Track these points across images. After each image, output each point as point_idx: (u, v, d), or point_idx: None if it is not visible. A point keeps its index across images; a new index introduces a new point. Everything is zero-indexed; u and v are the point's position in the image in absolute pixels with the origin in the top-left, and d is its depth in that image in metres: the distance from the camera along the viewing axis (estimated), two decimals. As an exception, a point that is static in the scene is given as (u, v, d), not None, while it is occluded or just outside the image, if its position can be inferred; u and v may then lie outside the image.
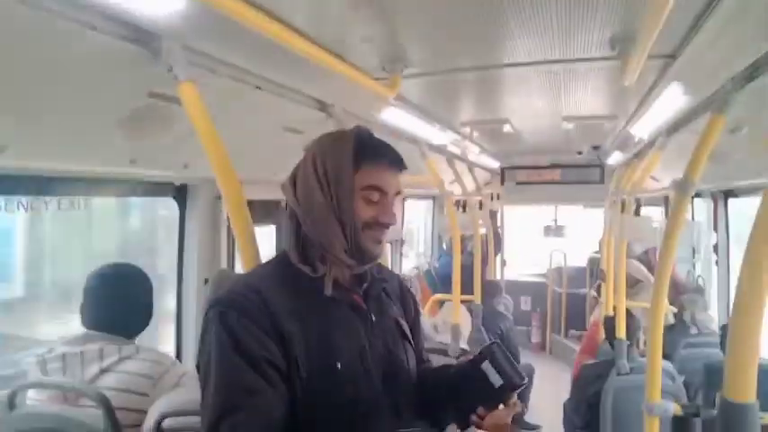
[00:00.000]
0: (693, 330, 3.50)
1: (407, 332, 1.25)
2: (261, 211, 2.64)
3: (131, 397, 1.58)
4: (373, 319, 1.17)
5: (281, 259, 1.18)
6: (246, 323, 1.01)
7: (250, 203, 2.71)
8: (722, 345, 2.82)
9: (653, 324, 1.90)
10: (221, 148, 1.40)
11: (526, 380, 1.12)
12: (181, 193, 2.43)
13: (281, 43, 1.43)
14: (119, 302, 1.71)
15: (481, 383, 1.12)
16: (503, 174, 5.83)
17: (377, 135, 1.23)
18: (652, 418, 1.94)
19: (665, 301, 1.92)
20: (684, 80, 1.91)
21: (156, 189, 2.35)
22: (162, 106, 1.60)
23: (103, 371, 1.60)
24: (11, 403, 1.57)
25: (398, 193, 1.18)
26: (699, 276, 4.78)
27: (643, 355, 2.75)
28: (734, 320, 0.98)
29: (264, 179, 2.61)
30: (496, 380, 1.10)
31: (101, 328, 1.67)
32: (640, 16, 1.34)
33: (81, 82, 1.39)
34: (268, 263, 1.21)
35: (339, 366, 1.07)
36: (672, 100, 2.14)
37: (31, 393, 1.63)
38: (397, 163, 1.17)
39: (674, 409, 1.91)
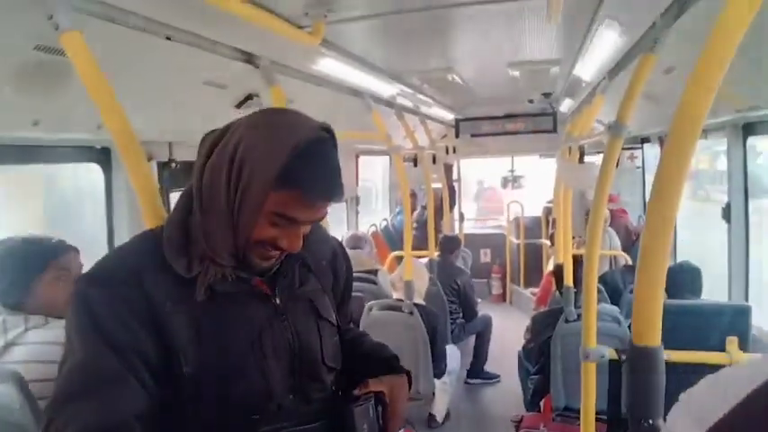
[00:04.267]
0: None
1: (323, 311, 1.12)
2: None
3: (46, 367, 1.49)
4: (278, 302, 1.04)
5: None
6: (113, 303, 0.90)
7: (184, 165, 2.63)
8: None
9: (587, 269, 1.89)
10: (116, 106, 1.27)
11: None
12: (104, 157, 2.29)
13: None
14: (17, 273, 1.60)
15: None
16: (457, 126, 5.76)
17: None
18: (588, 363, 1.96)
19: (600, 241, 1.91)
20: (617, 18, 1.85)
21: (74, 154, 2.20)
22: (54, 60, 1.46)
23: (9, 344, 1.51)
24: None
25: (319, 219, 1.01)
26: (649, 221, 4.87)
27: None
28: (639, 265, 0.95)
29: (193, 140, 2.50)
30: None
31: (7, 302, 1.58)
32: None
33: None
34: (151, 234, 1.04)
35: (228, 360, 0.96)
36: (608, 39, 2.09)
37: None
38: (331, 196, 0.96)
39: (609, 353, 1.92)
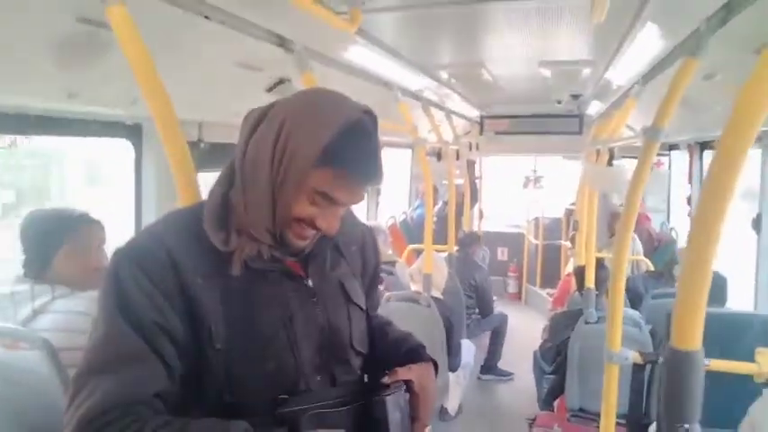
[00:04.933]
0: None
1: (353, 295, 1.12)
2: (220, 154, 2.55)
3: (72, 336, 1.51)
4: (310, 284, 1.04)
5: (201, 211, 1.01)
6: (141, 279, 0.90)
7: (212, 146, 2.64)
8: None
9: (615, 273, 1.87)
10: (157, 81, 1.28)
11: None
12: (134, 134, 2.31)
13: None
14: (37, 246, 1.63)
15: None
16: (482, 123, 5.73)
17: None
18: (612, 365, 1.94)
19: (629, 246, 1.89)
20: (659, 21, 1.82)
21: (106, 128, 2.22)
22: (95, 32, 1.47)
23: (36, 312, 1.54)
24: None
25: (357, 201, 1.01)
26: (672, 228, 4.81)
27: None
28: (684, 270, 0.94)
29: (222, 122, 2.51)
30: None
31: (29, 274, 1.61)
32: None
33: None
34: (186, 212, 1.05)
35: (261, 339, 0.96)
36: (647, 43, 2.05)
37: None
38: (371, 179, 0.97)
39: (633, 357, 1.91)
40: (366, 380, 1.14)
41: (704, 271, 0.91)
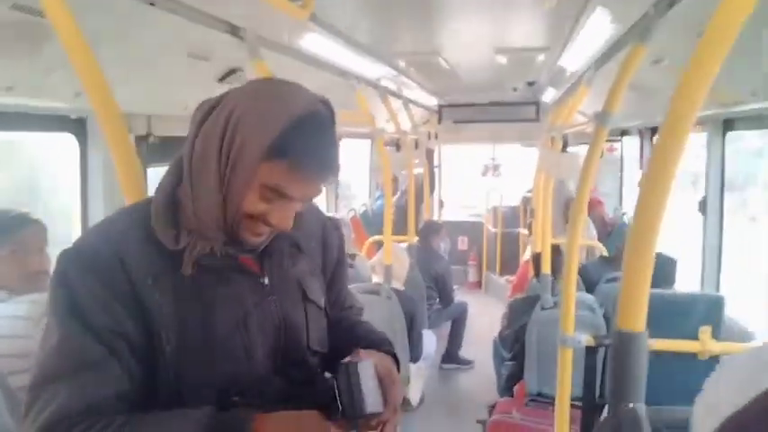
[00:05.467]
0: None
1: (311, 293, 1.08)
2: (171, 148, 2.47)
3: (13, 342, 1.45)
4: (266, 282, 1.01)
5: (150, 208, 0.96)
6: (92, 283, 0.86)
7: (162, 139, 2.56)
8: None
9: (569, 258, 1.90)
10: (98, 73, 1.22)
11: (372, 411, 0.90)
12: (79, 128, 2.21)
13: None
14: None
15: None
16: (440, 111, 5.75)
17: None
18: (565, 348, 1.98)
19: (582, 230, 1.93)
20: (609, 5, 1.85)
21: (48, 123, 2.12)
22: (33, 21, 1.39)
23: None
24: None
25: (312, 196, 0.96)
26: (624, 213, 4.94)
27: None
28: (627, 254, 0.96)
29: (173, 114, 2.43)
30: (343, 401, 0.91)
31: None
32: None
33: None
34: (135, 209, 1.00)
35: (214, 340, 0.93)
36: (598, 28, 2.09)
37: None
38: (326, 172, 0.92)
39: (585, 340, 1.95)
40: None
41: (647, 253, 0.93)
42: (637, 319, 0.94)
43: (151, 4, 1.66)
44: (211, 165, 0.90)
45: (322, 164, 0.91)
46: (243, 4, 1.79)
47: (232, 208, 0.91)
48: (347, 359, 0.97)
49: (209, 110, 0.93)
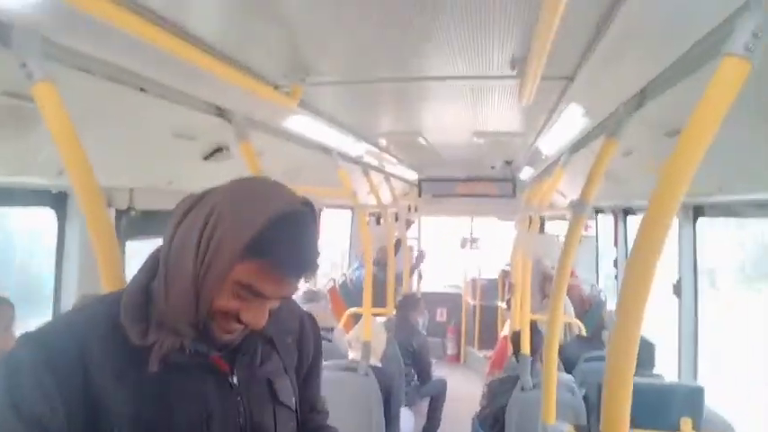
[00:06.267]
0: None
1: (281, 394, 1.07)
2: (152, 221, 2.46)
3: None
4: (234, 381, 0.99)
5: (119, 301, 0.95)
6: (40, 371, 0.83)
7: (144, 213, 2.55)
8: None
9: (548, 343, 1.91)
10: (81, 154, 1.22)
11: None
12: (59, 202, 2.20)
13: (164, 48, 1.29)
14: None
15: None
16: (420, 185, 5.86)
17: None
18: (547, 438, 1.95)
19: (562, 315, 1.94)
20: (582, 102, 1.95)
21: (29, 197, 2.11)
22: (21, 105, 1.42)
23: None
24: None
25: (287, 296, 0.96)
26: (600, 291, 4.99)
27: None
28: (610, 354, 0.96)
29: (156, 188, 2.44)
30: None
31: None
32: (532, 39, 1.32)
33: None
34: (107, 300, 0.98)
35: None
36: (572, 120, 2.18)
37: None
38: (301, 271, 0.91)
39: (567, 430, 1.92)
40: None
41: (631, 349, 0.92)
42: (621, 426, 0.93)
43: (142, 89, 1.71)
44: (188, 260, 0.90)
45: (299, 263, 0.91)
46: (232, 91, 1.84)
47: (205, 304, 0.90)
48: None
49: (190, 205, 0.94)
